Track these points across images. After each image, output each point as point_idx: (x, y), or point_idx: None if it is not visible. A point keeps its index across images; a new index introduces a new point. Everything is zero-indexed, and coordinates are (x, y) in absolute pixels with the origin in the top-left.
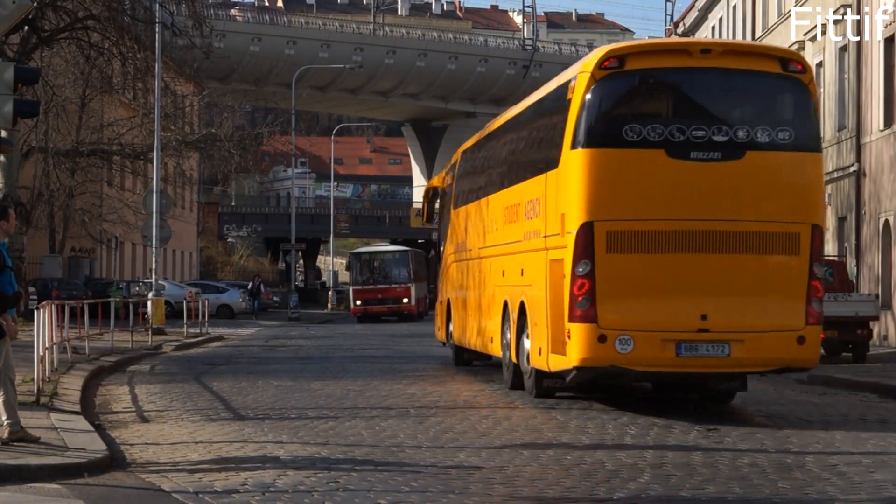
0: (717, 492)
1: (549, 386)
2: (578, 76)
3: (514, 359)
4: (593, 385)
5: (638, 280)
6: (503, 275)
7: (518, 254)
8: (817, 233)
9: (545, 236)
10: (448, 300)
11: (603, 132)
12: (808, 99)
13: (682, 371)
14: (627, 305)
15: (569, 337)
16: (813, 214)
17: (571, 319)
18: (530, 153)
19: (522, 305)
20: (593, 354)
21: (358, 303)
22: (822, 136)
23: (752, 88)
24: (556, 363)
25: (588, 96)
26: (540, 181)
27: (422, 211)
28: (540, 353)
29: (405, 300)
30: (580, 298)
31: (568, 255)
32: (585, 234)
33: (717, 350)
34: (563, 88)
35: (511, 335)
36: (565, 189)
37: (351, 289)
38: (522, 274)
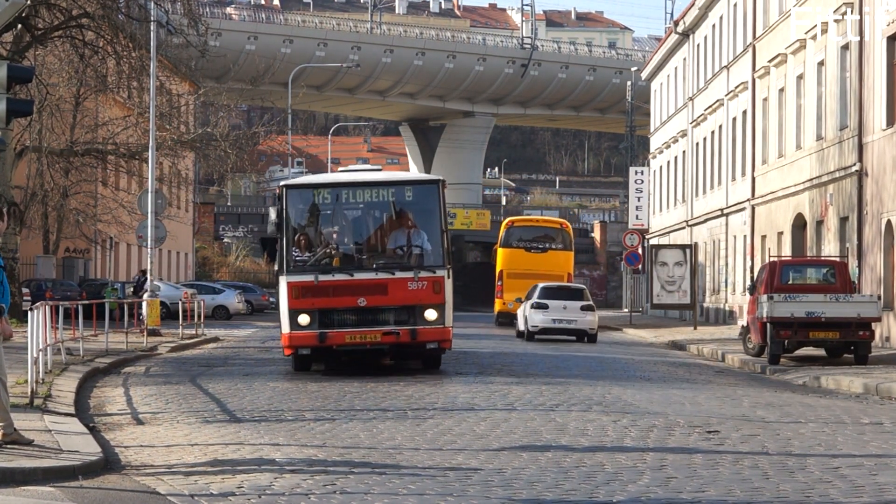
0: (718, 494)
1: (500, 322)
2: (502, 225)
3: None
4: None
5: (514, 286)
6: None
7: None
8: (570, 274)
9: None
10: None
11: (506, 242)
12: (568, 236)
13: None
14: (512, 293)
15: (493, 303)
16: (568, 269)
17: (496, 297)
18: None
19: None
20: (501, 308)
21: (302, 321)
22: (571, 242)
23: (552, 232)
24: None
25: (503, 231)
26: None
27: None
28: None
29: (430, 315)
30: (499, 290)
31: (496, 278)
32: (500, 273)
33: None
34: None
35: None
36: (497, 259)
37: (283, 283)
38: None
